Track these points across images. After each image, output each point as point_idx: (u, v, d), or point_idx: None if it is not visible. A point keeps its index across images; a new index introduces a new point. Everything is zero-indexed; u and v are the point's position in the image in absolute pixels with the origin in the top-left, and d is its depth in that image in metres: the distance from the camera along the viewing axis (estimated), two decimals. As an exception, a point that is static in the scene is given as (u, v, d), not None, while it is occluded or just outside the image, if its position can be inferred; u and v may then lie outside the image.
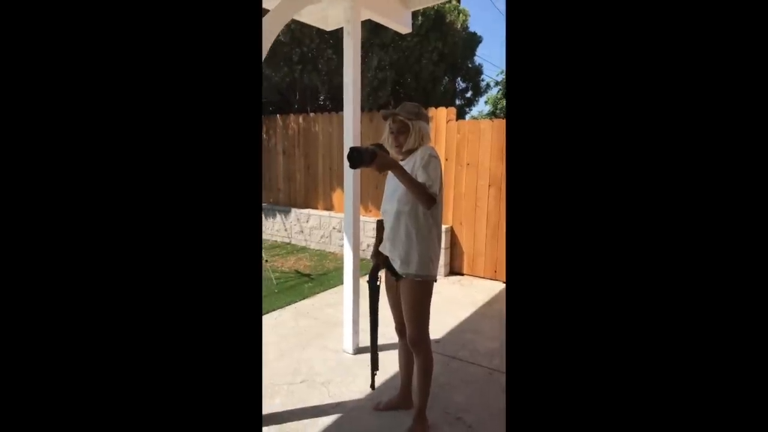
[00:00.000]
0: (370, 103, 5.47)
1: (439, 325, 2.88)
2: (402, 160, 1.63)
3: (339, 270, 4.29)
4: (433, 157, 1.56)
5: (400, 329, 1.85)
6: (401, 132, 1.63)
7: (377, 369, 1.92)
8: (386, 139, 1.67)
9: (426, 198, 1.49)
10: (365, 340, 2.62)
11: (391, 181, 1.67)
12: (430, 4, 2.92)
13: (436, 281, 1.70)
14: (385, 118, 1.67)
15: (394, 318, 1.86)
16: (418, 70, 5.98)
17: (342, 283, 3.82)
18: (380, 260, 1.79)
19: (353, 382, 2.18)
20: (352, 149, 1.43)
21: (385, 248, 1.74)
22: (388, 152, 1.63)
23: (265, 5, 2.41)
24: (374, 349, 1.89)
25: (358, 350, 2.51)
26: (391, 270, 1.74)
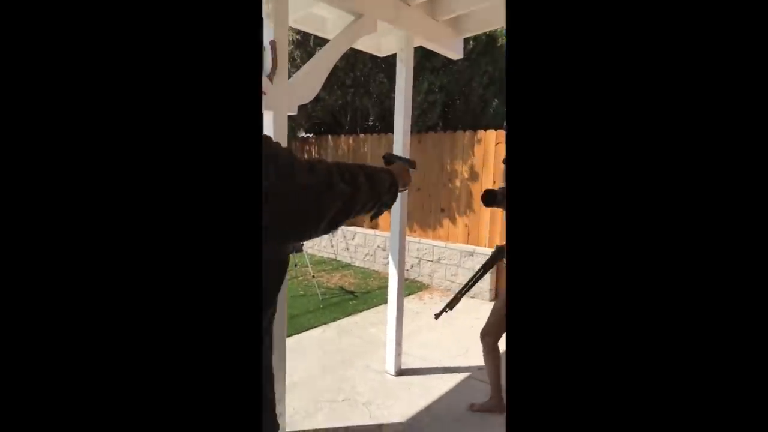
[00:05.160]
0: (419, 126, 5.56)
1: (483, 352, 2.81)
2: None
3: (382, 289, 4.31)
4: None
5: (489, 332, 2.06)
6: None
7: (450, 309, 2.15)
8: (505, 179, 1.98)
9: None
10: (407, 362, 2.62)
11: None
12: (482, 31, 2.96)
13: None
14: (504, 162, 1.98)
15: (492, 323, 2.07)
16: (468, 92, 6.00)
17: (385, 303, 3.85)
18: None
19: (395, 405, 2.17)
20: (486, 191, 1.78)
21: None
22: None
23: (325, 35, 2.56)
24: (458, 297, 2.13)
25: (400, 372, 2.50)
26: None
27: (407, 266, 4.71)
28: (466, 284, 2.10)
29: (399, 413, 2.10)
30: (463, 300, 4.15)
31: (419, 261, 4.73)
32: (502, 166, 4.17)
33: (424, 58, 5.35)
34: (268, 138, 0.68)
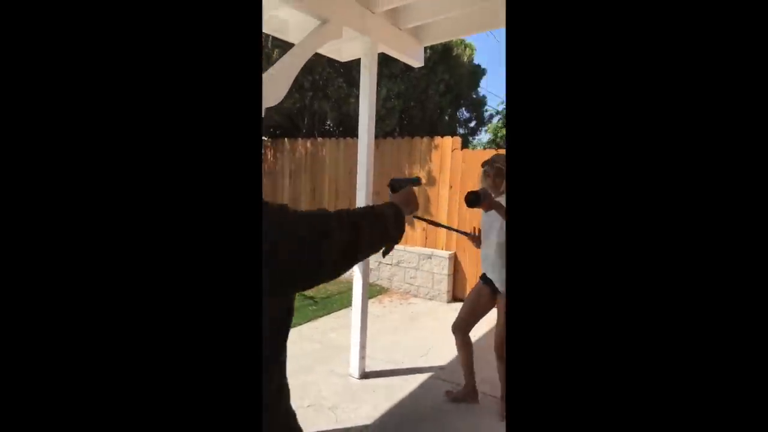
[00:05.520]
0: (377, 131, 5.62)
1: (444, 352, 2.89)
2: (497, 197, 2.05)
3: (342, 294, 4.30)
4: None
5: (461, 326, 2.22)
6: (498, 176, 2.09)
7: (431, 222, 2.00)
8: (482, 181, 2.14)
9: None
10: (370, 365, 2.63)
11: (487, 218, 2.14)
12: (442, 41, 3.06)
13: None
14: (483, 166, 2.15)
15: (463, 317, 2.22)
16: (425, 99, 6.16)
17: (344, 307, 3.84)
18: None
19: (360, 408, 2.18)
20: (470, 193, 1.85)
21: (487, 269, 2.17)
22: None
23: (286, 38, 2.54)
24: (429, 222, 2.02)
25: (364, 375, 2.52)
26: (491, 286, 2.17)
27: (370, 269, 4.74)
28: (440, 224, 2.11)
29: (365, 415, 2.11)
30: (422, 303, 4.24)
31: (378, 264, 4.77)
32: (462, 172, 4.31)
33: (382, 64, 5.43)
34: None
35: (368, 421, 2.06)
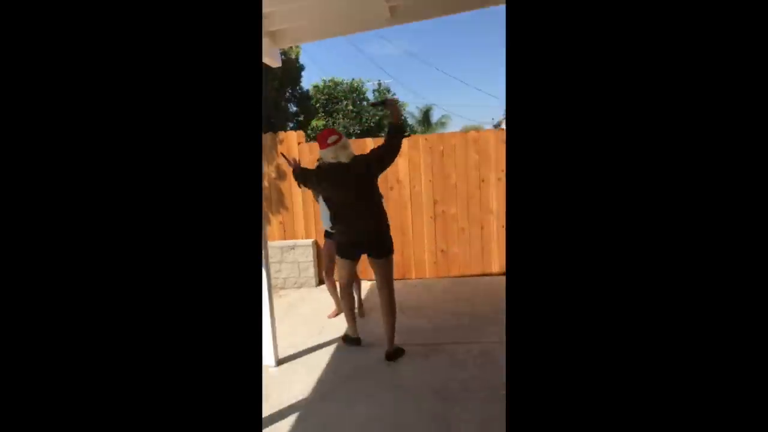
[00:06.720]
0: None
1: (335, 323, 3.20)
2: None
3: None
4: None
5: (328, 272, 3.28)
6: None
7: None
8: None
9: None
10: (283, 352, 2.76)
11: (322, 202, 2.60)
12: (294, 44, 3.26)
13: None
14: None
15: (327, 265, 3.26)
16: (264, 95, 6.13)
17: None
18: None
19: (292, 387, 2.35)
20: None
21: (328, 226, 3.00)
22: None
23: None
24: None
25: (280, 362, 2.66)
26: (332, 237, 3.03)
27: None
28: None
29: (299, 392, 2.29)
30: (293, 292, 4.43)
31: (239, 266, 4.68)
32: (310, 163, 4.55)
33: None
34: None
35: (305, 395, 2.26)
